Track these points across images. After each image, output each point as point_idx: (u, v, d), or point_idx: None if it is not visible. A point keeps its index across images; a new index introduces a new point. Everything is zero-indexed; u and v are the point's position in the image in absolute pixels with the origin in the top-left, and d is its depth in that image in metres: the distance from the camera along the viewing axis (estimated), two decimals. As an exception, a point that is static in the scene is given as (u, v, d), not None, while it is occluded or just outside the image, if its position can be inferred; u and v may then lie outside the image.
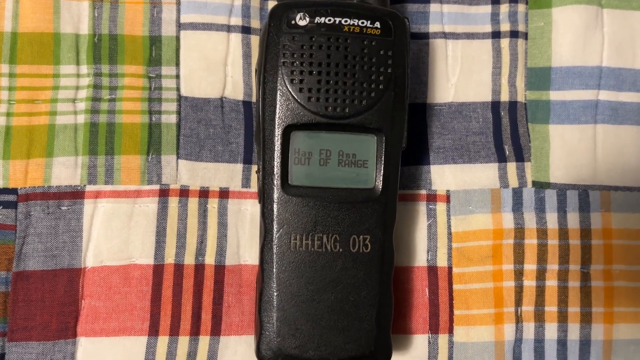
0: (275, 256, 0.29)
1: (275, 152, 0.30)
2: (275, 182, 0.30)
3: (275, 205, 0.29)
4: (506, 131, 0.35)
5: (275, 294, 0.29)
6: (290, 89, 0.29)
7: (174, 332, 0.32)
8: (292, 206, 0.29)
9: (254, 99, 0.34)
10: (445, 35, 0.35)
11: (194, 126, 0.34)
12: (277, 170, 0.30)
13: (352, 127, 0.30)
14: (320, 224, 0.30)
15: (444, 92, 0.35)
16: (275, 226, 0.29)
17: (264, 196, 0.30)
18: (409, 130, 0.33)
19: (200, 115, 0.34)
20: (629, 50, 0.35)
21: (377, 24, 0.30)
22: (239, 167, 0.34)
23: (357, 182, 0.30)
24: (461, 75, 0.35)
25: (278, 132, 0.29)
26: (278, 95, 0.29)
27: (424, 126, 0.35)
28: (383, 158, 0.30)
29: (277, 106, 0.29)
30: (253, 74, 0.34)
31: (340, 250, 0.30)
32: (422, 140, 0.35)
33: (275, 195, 0.30)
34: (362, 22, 0.29)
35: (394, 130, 0.30)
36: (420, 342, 0.33)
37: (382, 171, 0.30)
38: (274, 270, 0.29)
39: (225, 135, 0.34)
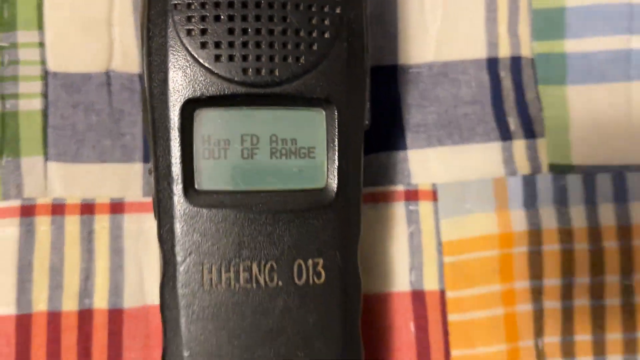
0: (180, 299, 0.20)
1: (172, 142, 0.20)
2: (174, 188, 0.20)
3: (176, 223, 0.20)
4: (509, 98, 0.27)
5: (184, 355, 0.20)
6: (188, 46, 0.20)
7: (51, 410, 0.23)
8: (203, 222, 0.20)
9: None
10: (420, -30, 0.27)
11: (68, 113, 0.25)
12: (175, 169, 0.20)
13: (288, 98, 0.20)
14: (246, 246, 0.20)
15: (421, 49, 0.27)
16: (178, 254, 0.20)
17: (159, 209, 0.20)
18: (376, 102, 0.25)
19: (77, 97, 0.25)
20: (667, -21, 0.27)
21: (317, -59, 0.20)
22: (137, 167, 0.25)
23: (301, 180, 0.21)
24: (444, 24, 0.27)
25: (174, 112, 0.20)
26: (170, 55, 0.20)
27: (396, 97, 0.27)
28: (337, 142, 0.21)
29: (170, 72, 0.20)
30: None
31: (280, 283, 0.20)
32: (395, 116, 0.26)
33: (176, 208, 0.20)
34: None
35: (350, 100, 0.21)
36: (407, 397, 0.24)
37: (336, 162, 0.21)
38: (181, 320, 0.20)
39: (115, 125, 0.25)
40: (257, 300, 0.20)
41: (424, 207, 0.26)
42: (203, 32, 0.19)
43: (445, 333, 0.25)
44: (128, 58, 0.25)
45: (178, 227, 0.20)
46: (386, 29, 0.26)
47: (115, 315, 0.24)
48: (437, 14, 0.27)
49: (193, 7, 0.19)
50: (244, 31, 0.20)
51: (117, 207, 0.24)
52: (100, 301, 0.24)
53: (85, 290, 0.24)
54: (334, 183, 0.21)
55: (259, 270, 0.20)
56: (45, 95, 0.25)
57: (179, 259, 0.20)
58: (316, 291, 0.20)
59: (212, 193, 0.20)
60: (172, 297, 0.20)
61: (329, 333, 0.20)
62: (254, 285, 0.20)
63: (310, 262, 0.20)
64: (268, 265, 0.20)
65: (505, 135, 0.26)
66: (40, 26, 0.25)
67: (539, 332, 0.26)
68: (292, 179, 0.21)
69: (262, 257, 0.20)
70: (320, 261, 0.20)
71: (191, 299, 0.20)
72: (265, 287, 0.20)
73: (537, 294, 0.26)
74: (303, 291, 0.20)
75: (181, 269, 0.20)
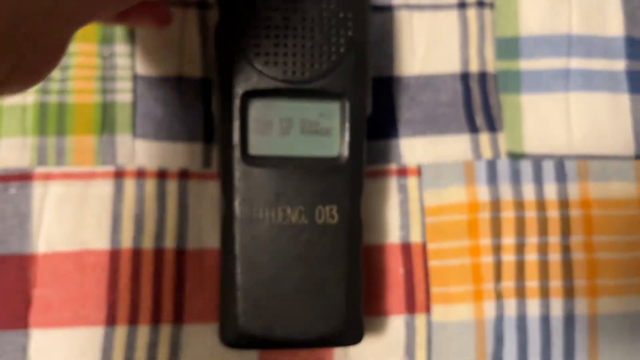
0: (236, 230, 0.28)
1: (233, 121, 0.28)
2: (233, 153, 0.28)
3: (234, 177, 0.28)
4: (477, 102, 0.34)
5: (237, 271, 0.28)
6: (246, 55, 0.28)
7: (133, 320, 0.30)
8: (253, 177, 0.28)
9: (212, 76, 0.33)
10: (410, 8, 0.34)
11: (150, 105, 0.32)
12: (235, 140, 0.28)
13: (314, 92, 0.28)
14: (283, 195, 0.28)
15: (410, 65, 0.34)
16: (235, 199, 0.28)
17: (223, 169, 0.28)
18: (376, 102, 0.32)
19: (157, 94, 0.33)
20: (597, 16, 0.34)
21: (336, -15, 0.29)
22: (198, 146, 0.32)
23: (321, 150, 0.29)
24: (428, 47, 0.34)
25: (235, 100, 0.28)
26: (234, 61, 0.28)
27: (391, 99, 0.34)
28: (348, 125, 0.29)
29: (233, 72, 0.28)
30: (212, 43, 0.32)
31: (306, 222, 0.28)
32: (390, 113, 0.34)
33: (235, 167, 0.28)
34: (320, -16, 0.28)
35: (357, 95, 0.29)
36: (396, 323, 0.32)
37: (347, 138, 0.29)
38: (235, 246, 0.28)
39: (184, 114, 0.32)
40: (289, 233, 0.28)
41: (411, 181, 0.33)
42: (256, 46, 0.28)
43: (426, 275, 0.32)
44: (194, 66, 0.33)
45: (236, 180, 0.28)
46: (385, 50, 0.34)
47: (180, 254, 0.32)
48: (423, 39, 0.34)
49: (249, 29, 0.28)
50: (285, 46, 0.28)
51: (183, 175, 0.32)
52: (169, 243, 0.31)
53: (159, 234, 0.31)
54: (345, 153, 0.29)
55: (291, 212, 0.28)
56: (134, 91, 0.32)
57: (236, 202, 0.28)
58: (331, 228, 0.28)
59: (260, 157, 0.28)
60: (229, 230, 0.28)
61: (339, 259, 0.28)
62: (288, 222, 0.28)
63: (327, 207, 0.28)
64: (297, 209, 0.28)
65: (473, 129, 0.33)
66: (132, 41, 0.33)
67: (497, 278, 0.32)
68: (315, 149, 0.29)
69: (293, 203, 0.28)
70: (335, 207, 0.28)
71: (243, 230, 0.28)
72: (296, 223, 0.28)
73: (496, 249, 0.32)
74: (322, 228, 0.28)
75: (237, 209, 0.28)
